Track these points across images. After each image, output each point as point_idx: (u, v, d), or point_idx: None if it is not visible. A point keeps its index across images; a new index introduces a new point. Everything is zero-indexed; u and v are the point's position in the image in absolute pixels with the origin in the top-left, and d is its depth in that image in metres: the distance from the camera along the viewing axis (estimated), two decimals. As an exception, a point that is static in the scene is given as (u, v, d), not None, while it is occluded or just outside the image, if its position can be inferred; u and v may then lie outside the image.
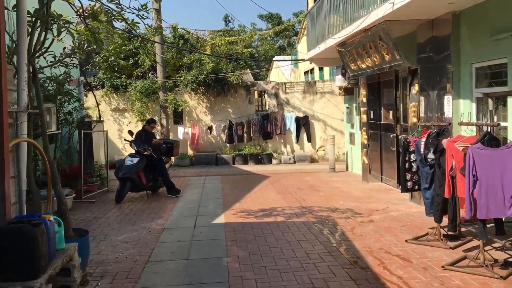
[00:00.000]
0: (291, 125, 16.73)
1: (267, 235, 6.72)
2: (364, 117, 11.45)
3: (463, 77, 7.43)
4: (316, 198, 9.63)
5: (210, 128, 16.92)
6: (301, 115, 16.89)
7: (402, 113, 9.83)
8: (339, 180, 12.27)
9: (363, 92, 11.44)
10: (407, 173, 6.27)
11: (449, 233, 5.83)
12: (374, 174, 11.45)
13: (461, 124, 5.72)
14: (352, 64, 11.04)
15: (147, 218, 8.17)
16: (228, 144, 16.98)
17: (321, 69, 20.65)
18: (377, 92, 11.31)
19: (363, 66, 10.41)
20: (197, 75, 16.09)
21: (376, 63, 9.52)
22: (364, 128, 11.53)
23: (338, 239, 6.38)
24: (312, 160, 16.79)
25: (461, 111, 7.48)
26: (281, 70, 32.00)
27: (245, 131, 16.76)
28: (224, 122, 16.96)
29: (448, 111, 7.69)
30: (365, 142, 11.50)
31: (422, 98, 8.33)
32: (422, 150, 5.75)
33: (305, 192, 10.51)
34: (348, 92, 13.37)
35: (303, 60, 15.72)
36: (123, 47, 16.77)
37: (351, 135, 13.79)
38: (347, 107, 13.79)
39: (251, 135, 16.70)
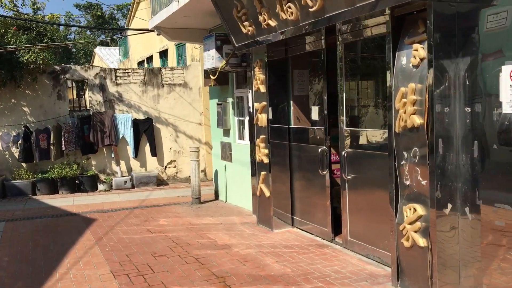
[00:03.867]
0: (126, 131, 11.24)
1: None
2: (264, 117, 6.74)
3: None
4: (202, 289, 4.56)
5: (-9, 138, 10.42)
6: (141, 117, 11.52)
7: (348, 108, 5.41)
8: (218, 224, 7.34)
9: (260, 75, 6.72)
10: None
11: None
12: (278, 211, 6.87)
13: None
14: (246, 23, 6.24)
15: None
16: (24, 164, 10.75)
17: (163, 55, 15.44)
18: (284, 76, 6.75)
19: (272, 23, 5.70)
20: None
21: (312, 9, 4.87)
22: (262, 136, 6.81)
23: None
24: (160, 182, 11.57)
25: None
26: (105, 63, 25.67)
27: (52, 142, 10.72)
28: (16, 128, 10.67)
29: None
30: (266, 160, 6.78)
31: (436, 73, 3.91)
32: None
33: (169, 265, 5.33)
34: (221, 81, 8.58)
35: (146, 30, 10.35)
36: None
37: (225, 147, 9.03)
38: (219, 104, 8.97)
39: (63, 148, 10.76)
